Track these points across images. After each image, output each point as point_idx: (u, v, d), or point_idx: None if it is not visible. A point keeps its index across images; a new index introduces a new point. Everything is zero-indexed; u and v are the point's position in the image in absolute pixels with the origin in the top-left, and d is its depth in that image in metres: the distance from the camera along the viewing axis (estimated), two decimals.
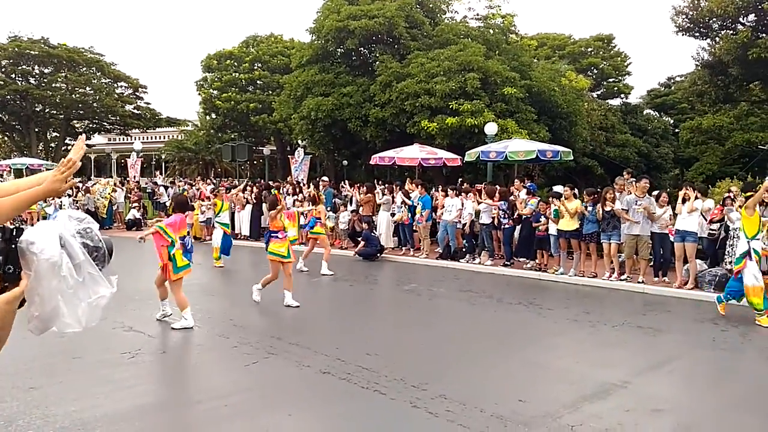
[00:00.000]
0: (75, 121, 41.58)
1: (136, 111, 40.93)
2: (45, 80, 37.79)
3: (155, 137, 48.06)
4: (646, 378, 6.03)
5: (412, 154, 17.64)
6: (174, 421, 4.73)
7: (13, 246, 1.77)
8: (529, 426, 4.60)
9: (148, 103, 41.78)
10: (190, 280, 11.95)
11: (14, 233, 1.79)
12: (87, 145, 31.78)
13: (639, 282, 10.71)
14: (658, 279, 10.91)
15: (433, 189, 16.66)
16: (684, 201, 10.30)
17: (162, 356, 6.47)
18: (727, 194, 11.28)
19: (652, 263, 11.40)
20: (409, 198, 14.89)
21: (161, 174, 42.44)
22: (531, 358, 6.59)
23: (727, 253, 9.95)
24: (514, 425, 4.62)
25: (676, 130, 33.62)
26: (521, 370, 6.16)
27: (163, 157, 46.48)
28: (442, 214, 14.03)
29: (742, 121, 23.55)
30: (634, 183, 11.29)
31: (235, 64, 35.43)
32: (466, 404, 5.02)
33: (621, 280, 10.95)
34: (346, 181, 19.98)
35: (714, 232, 10.81)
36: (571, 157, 17.70)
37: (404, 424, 4.73)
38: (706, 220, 10.79)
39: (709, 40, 18.79)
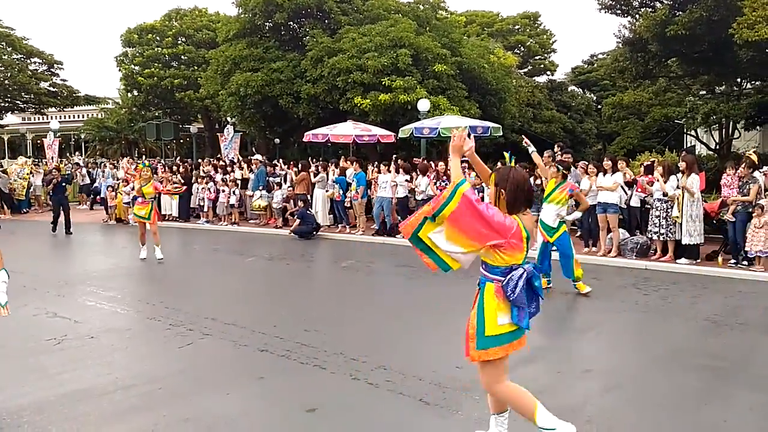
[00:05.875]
0: None
1: (51, 88, 38.47)
2: None
3: (74, 116, 45.62)
4: (576, 341, 6.29)
5: (345, 131, 17.53)
6: (106, 406, 4.55)
7: None
8: (467, 391, 4.71)
9: (64, 80, 39.32)
10: (118, 264, 11.52)
11: None
12: None
13: None
14: (587, 249, 11.35)
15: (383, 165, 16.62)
16: (605, 173, 10.76)
17: (90, 341, 6.20)
18: (647, 163, 11.81)
19: (579, 233, 11.86)
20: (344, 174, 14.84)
21: (81, 154, 40.43)
22: None
23: (651, 222, 10.45)
24: (452, 391, 4.72)
25: (599, 106, 34.86)
26: (458, 339, 6.26)
27: (82, 136, 44.24)
28: (376, 190, 14.09)
29: (660, 96, 24.64)
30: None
31: (158, 38, 33.91)
32: (406, 374, 5.09)
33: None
34: (280, 160, 19.67)
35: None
36: (501, 133, 18.09)
37: (345, 395, 4.75)
38: (626, 191, 11.25)
39: (630, 18, 19.50)
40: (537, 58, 40.51)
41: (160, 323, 6.85)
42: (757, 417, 4.40)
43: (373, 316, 7.40)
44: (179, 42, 33.69)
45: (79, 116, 45.45)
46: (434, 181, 13.31)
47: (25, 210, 20.62)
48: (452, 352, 5.76)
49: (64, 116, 43.96)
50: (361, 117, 19.37)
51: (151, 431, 4.16)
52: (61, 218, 15.01)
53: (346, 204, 14.88)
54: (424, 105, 17.42)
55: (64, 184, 16.01)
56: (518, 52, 38.08)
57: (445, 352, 5.78)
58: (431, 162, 15.02)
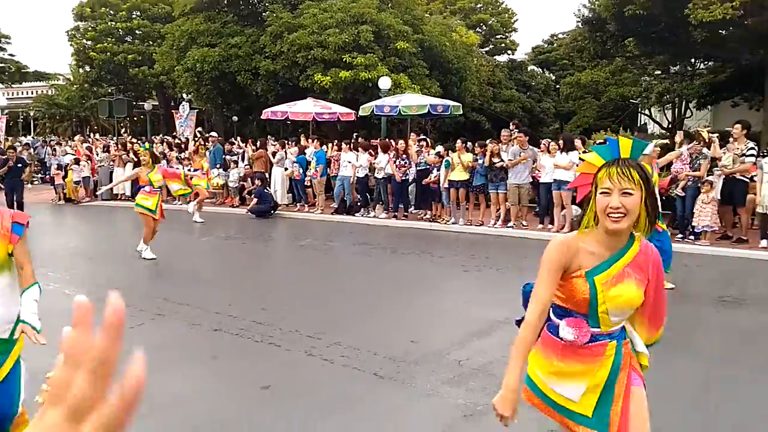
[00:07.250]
0: None
1: None
2: None
3: (22, 93, 43.93)
4: None
5: (305, 108, 17.31)
6: None
7: None
8: (420, 364, 4.76)
9: (12, 55, 37.62)
10: (65, 243, 11.19)
11: None
12: None
13: (522, 228, 11.29)
14: (542, 226, 11.54)
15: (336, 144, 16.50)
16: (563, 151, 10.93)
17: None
18: (600, 141, 12.02)
19: (536, 211, 12.06)
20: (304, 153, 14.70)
21: (29, 133, 39.01)
22: (423, 303, 6.80)
23: None
24: (406, 365, 4.76)
25: (557, 86, 35.30)
26: (413, 314, 6.34)
27: (31, 114, 42.62)
28: (338, 168, 14.01)
29: (616, 76, 25.13)
30: (517, 134, 11.83)
31: (111, 12, 32.84)
32: (360, 349, 5.10)
33: (508, 227, 11.50)
34: (238, 138, 19.34)
35: None
36: (461, 112, 18.14)
37: (300, 371, 4.74)
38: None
39: None
40: (498, 37, 40.58)
41: None
42: (693, 384, 4.58)
43: (330, 293, 7.38)
44: (134, 16, 32.71)
45: (27, 93, 43.79)
46: (394, 159, 13.28)
47: None
48: (408, 328, 5.80)
49: (12, 93, 42.28)
50: (321, 94, 19.15)
51: None
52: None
53: (305, 183, 14.75)
54: (385, 83, 17.29)
55: (20, 165, 14.19)
56: (480, 30, 38.03)
57: (401, 328, 5.82)
58: (391, 140, 14.98)
